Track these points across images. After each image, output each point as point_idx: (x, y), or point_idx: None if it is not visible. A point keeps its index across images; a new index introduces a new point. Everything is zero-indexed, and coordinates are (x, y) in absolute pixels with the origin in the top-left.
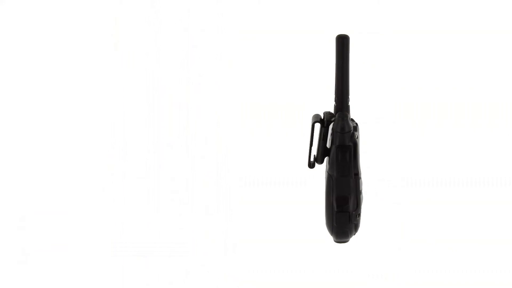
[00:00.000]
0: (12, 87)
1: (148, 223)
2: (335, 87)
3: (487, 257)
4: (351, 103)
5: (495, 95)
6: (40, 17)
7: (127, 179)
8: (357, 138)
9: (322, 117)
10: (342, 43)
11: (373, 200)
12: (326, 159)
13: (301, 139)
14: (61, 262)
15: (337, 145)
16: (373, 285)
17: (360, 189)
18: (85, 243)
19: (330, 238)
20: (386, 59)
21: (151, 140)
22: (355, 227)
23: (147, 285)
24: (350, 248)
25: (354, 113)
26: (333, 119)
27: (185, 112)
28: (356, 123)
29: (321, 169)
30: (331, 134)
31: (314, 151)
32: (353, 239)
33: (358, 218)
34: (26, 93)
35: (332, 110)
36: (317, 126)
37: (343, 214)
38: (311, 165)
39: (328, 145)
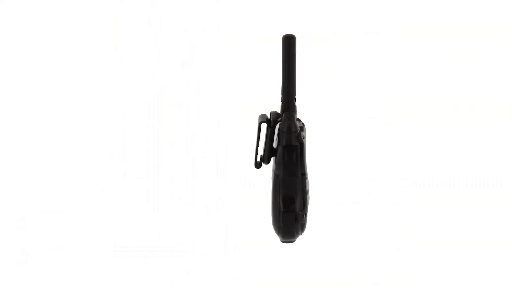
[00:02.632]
0: (12, 87)
1: (148, 223)
2: (281, 88)
3: (485, 257)
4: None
5: (489, 94)
6: (40, 17)
7: (127, 179)
8: (303, 138)
9: (269, 117)
10: (289, 43)
11: (368, 200)
12: (272, 159)
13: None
14: (61, 262)
15: (284, 145)
16: (370, 285)
17: (307, 189)
18: (85, 243)
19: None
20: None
21: (151, 140)
22: (302, 227)
23: (147, 285)
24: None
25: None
26: (279, 119)
27: (185, 112)
28: (303, 123)
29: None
30: (278, 134)
31: (261, 151)
32: (351, 239)
33: (304, 218)
34: (26, 93)
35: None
36: (264, 126)
37: (289, 214)
38: (257, 165)
39: (274, 145)
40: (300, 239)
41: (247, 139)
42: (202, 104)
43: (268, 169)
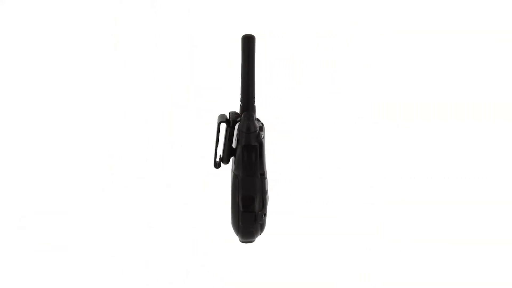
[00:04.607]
0: (12, 87)
1: (148, 223)
2: (240, 87)
3: (463, 256)
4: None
5: (475, 94)
6: (40, 17)
7: (127, 179)
8: (263, 138)
9: (228, 117)
10: (248, 43)
11: (330, 200)
12: (232, 159)
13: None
14: (61, 262)
15: (243, 145)
16: (347, 285)
17: (266, 189)
18: (85, 243)
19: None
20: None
21: (151, 140)
22: (261, 227)
23: (147, 285)
24: (307, 248)
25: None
26: (239, 119)
27: (185, 112)
28: (262, 123)
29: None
30: (237, 134)
31: (220, 151)
32: (311, 239)
33: (264, 218)
34: (26, 93)
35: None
36: (223, 126)
37: (249, 214)
38: (216, 165)
39: (234, 145)
40: (259, 239)
41: (206, 139)
42: (202, 103)
43: (227, 169)
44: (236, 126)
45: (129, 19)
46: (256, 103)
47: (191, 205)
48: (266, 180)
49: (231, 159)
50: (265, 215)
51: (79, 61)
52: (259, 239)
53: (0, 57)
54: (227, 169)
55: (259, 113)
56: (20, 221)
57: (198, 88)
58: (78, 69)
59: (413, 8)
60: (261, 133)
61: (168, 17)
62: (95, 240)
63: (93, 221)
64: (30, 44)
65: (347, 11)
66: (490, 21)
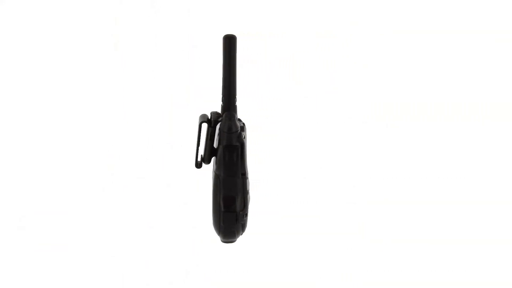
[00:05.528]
0: (12, 87)
1: (148, 223)
2: (222, 88)
3: (446, 256)
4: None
5: (469, 93)
6: (40, 17)
7: (127, 179)
8: (244, 138)
9: (209, 117)
10: (229, 43)
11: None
12: (213, 159)
13: None
14: (61, 262)
15: (224, 145)
16: (329, 285)
17: (247, 189)
18: (85, 243)
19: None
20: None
21: (151, 140)
22: (242, 227)
23: (147, 285)
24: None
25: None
26: (220, 119)
27: (185, 112)
28: (244, 123)
29: None
30: (218, 134)
31: (201, 151)
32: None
33: (245, 218)
34: (26, 93)
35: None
36: (204, 126)
37: (230, 214)
38: (198, 165)
39: (215, 145)
40: (240, 239)
41: (188, 139)
42: (202, 103)
43: (208, 169)
44: (218, 126)
45: (129, 19)
46: (237, 103)
47: (174, 205)
48: (247, 180)
49: (213, 159)
50: (246, 215)
51: (79, 61)
52: (240, 239)
53: (0, 57)
54: (209, 169)
55: (241, 113)
56: (20, 221)
57: (197, 88)
58: (78, 69)
59: (413, 8)
60: (243, 133)
61: (168, 17)
62: (95, 240)
63: (93, 221)
64: (30, 44)
65: (347, 11)
66: (490, 21)
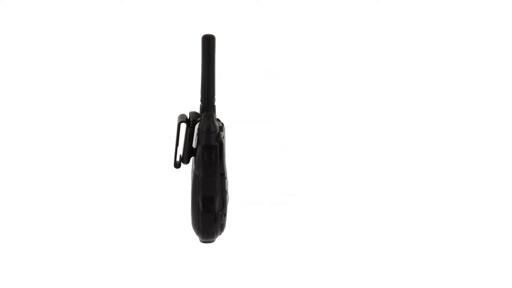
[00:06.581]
0: (12, 87)
1: (126, 223)
2: (201, 88)
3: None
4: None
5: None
6: (40, 17)
7: (127, 179)
8: (223, 138)
9: (188, 117)
10: (208, 43)
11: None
12: (192, 159)
13: None
14: (61, 262)
15: (203, 145)
16: (307, 285)
17: (226, 189)
18: (85, 243)
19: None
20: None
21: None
22: (221, 227)
23: (146, 285)
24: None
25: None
26: (199, 119)
27: (163, 112)
28: (222, 123)
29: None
30: (197, 134)
31: (180, 151)
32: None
33: (224, 218)
34: (26, 93)
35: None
36: (183, 126)
37: (209, 214)
38: (176, 165)
39: (194, 145)
40: (219, 239)
41: (167, 139)
42: (120, 104)
43: (187, 169)
44: (196, 126)
45: (129, 19)
46: (216, 103)
47: (153, 206)
48: (226, 180)
49: (191, 159)
50: (225, 215)
51: (78, 60)
52: (219, 239)
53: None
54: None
55: (220, 113)
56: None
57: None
58: (78, 69)
59: (413, 8)
60: (221, 133)
61: (168, 17)
62: (95, 240)
63: (94, 221)
64: (30, 44)
65: (346, 11)
66: (490, 21)
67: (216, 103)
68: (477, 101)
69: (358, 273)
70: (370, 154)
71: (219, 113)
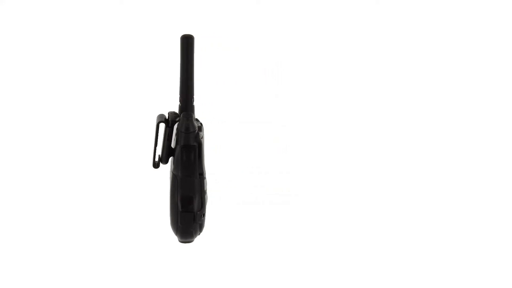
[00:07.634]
0: (12, 87)
1: (127, 223)
2: (179, 88)
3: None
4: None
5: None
6: (40, 17)
7: (106, 179)
8: (201, 138)
9: (167, 117)
10: (187, 43)
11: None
12: (171, 159)
13: None
14: (61, 262)
15: (182, 145)
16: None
17: (205, 189)
18: (85, 243)
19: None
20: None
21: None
22: (200, 227)
23: (146, 285)
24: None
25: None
26: (178, 119)
27: (142, 112)
28: (201, 123)
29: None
30: (176, 134)
31: (159, 151)
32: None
33: (202, 218)
34: (26, 93)
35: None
36: (162, 126)
37: (187, 214)
38: (155, 165)
39: (173, 145)
40: (198, 239)
41: (145, 139)
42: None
43: (166, 169)
44: (175, 126)
45: (129, 19)
46: (195, 103)
47: (131, 206)
48: (205, 180)
49: (170, 159)
50: (204, 215)
51: (78, 60)
52: (198, 239)
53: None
54: (166, 169)
55: (199, 113)
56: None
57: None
58: (78, 69)
59: (413, 8)
60: (200, 133)
61: (168, 17)
62: (95, 240)
63: (94, 221)
64: (30, 44)
65: (346, 11)
66: (490, 21)
67: (216, 103)
68: (477, 101)
69: (358, 273)
70: (370, 154)
71: (219, 113)
